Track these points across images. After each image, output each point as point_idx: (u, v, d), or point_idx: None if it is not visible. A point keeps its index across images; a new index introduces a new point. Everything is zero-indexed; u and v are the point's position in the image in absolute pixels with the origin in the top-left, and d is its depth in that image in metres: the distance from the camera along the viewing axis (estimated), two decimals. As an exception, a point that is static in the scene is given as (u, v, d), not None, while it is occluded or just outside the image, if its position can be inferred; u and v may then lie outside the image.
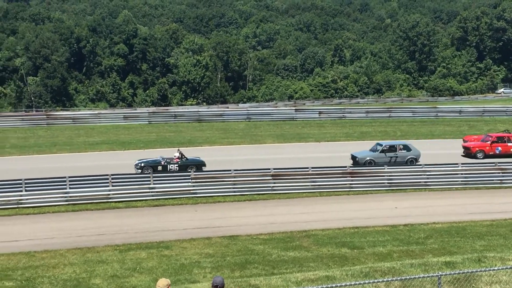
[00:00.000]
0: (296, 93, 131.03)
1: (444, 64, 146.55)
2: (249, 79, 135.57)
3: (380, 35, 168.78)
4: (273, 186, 38.22)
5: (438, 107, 77.97)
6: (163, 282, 12.53)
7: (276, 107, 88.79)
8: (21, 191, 35.63)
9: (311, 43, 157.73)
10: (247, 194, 37.87)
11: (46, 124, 67.00)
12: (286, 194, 38.15)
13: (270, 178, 38.32)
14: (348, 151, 50.24)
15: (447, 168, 40.60)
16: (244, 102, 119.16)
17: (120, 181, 37.24)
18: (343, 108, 76.89)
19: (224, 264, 26.26)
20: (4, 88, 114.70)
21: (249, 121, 69.02)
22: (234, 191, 37.90)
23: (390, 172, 39.60)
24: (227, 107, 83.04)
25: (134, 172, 40.88)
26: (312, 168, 39.10)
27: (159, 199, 36.89)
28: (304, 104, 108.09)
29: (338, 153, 49.70)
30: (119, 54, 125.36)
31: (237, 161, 44.06)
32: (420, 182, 39.82)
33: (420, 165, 40.73)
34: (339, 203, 36.59)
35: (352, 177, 39.14)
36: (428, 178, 39.86)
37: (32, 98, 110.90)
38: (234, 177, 38.07)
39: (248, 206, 36.17)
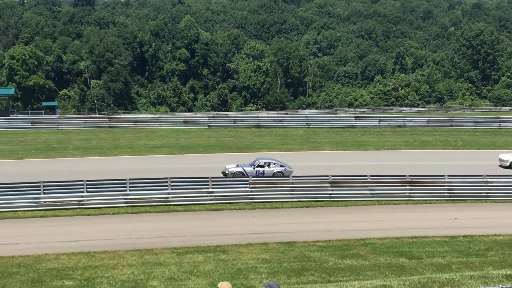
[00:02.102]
0: (356, 100, 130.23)
1: (509, 74, 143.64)
2: (309, 85, 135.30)
3: (443, 43, 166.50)
4: (331, 193, 38.01)
5: (501, 117, 76.42)
6: (224, 285, 12.45)
7: (336, 114, 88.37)
8: (83, 192, 36.26)
9: (372, 50, 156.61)
10: (304, 201, 37.75)
11: (108, 126, 68.05)
12: (344, 201, 37.88)
13: (328, 185, 38.12)
14: (409, 159, 49.72)
15: (510, 179, 39.73)
16: (304, 109, 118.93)
17: (179, 184, 37.56)
18: (404, 117, 76.05)
19: (280, 270, 26.22)
20: (69, 91, 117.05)
21: (308, 127, 68.84)
22: (292, 197, 37.82)
23: (451, 182, 38.96)
24: (287, 113, 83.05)
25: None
26: (371, 176, 38.74)
27: (217, 203, 37.06)
28: (364, 111, 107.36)
29: (397, 161, 49.15)
30: (180, 59, 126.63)
31: (295, 168, 43.91)
32: (481, 193, 39.06)
33: (481, 175, 39.93)
34: (397, 212, 36.16)
35: (411, 186, 38.62)
36: (489, 189, 39.07)
37: (95, 101, 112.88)
38: (292, 183, 38.00)
39: (305, 212, 36.05)
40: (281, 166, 42.37)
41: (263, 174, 41.43)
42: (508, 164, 46.67)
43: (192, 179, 38.38)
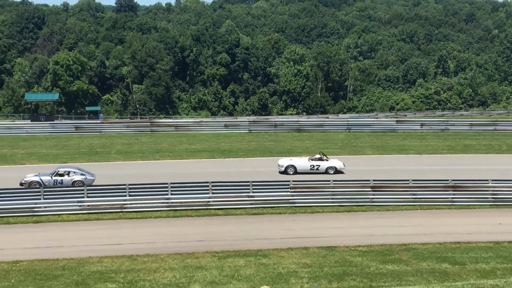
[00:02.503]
0: (397, 104, 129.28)
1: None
2: (349, 89, 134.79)
3: (486, 46, 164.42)
4: (372, 198, 37.81)
5: (546, 121, 75.18)
6: None
7: (377, 118, 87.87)
8: (125, 196, 36.64)
9: (414, 53, 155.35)
10: (345, 205, 37.61)
11: (150, 131, 68.65)
12: (385, 206, 37.65)
13: (370, 189, 37.93)
14: (451, 164, 49.23)
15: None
16: (344, 113, 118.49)
17: (220, 188, 37.71)
18: (446, 120, 75.29)
19: (321, 274, 26.18)
20: (111, 96, 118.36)
21: (349, 131, 68.58)
22: (333, 202, 37.71)
23: (495, 187, 38.46)
24: (327, 117, 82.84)
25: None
26: (413, 180, 38.44)
27: (257, 207, 37.12)
28: (406, 115, 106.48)
29: (439, 166, 48.68)
30: (221, 64, 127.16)
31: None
32: (526, 198, 38.47)
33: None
34: (440, 217, 35.80)
35: (454, 190, 38.22)
36: (534, 194, 38.45)
37: (137, 106, 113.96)
38: (333, 188, 37.89)
39: (346, 217, 35.92)
40: (82, 174, 40.80)
41: (61, 183, 40.14)
42: (283, 169, 45.52)
43: (233, 183, 38.50)
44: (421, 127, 70.33)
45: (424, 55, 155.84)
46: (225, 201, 37.16)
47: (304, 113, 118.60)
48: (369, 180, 38.27)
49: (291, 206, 37.33)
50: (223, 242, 30.85)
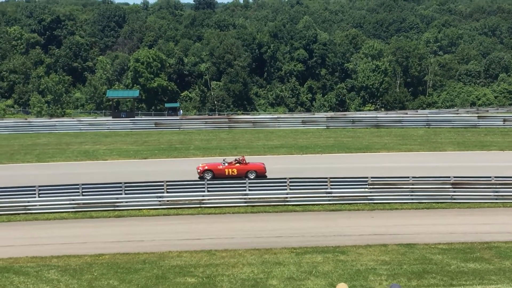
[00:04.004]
0: (478, 99, 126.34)
1: None
2: (429, 84, 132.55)
3: None
4: (453, 195, 37.09)
5: None
6: (342, 287, 12.45)
7: (457, 113, 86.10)
8: (204, 191, 37.09)
9: (496, 47, 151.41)
10: (425, 202, 37.04)
11: (228, 127, 69.14)
12: (466, 203, 36.87)
13: (450, 186, 37.24)
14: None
15: None
16: (424, 108, 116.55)
17: (298, 184, 37.75)
18: (530, 116, 73.11)
19: (400, 272, 25.89)
20: (190, 92, 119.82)
21: (428, 127, 67.39)
22: (412, 199, 37.20)
23: None
24: (406, 113, 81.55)
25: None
26: (496, 177, 37.52)
27: (335, 203, 36.98)
28: (488, 111, 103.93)
29: (523, 162, 47.35)
30: (299, 60, 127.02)
31: (415, 168, 43.18)
32: None
33: None
34: (524, 215, 34.87)
35: (539, 188, 37.13)
36: None
37: (215, 102, 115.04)
38: (412, 184, 37.37)
39: (426, 214, 35.38)
40: None
41: None
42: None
43: (311, 179, 38.46)
44: (503, 123, 68.44)
45: (507, 49, 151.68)
46: (303, 197, 37.16)
47: (383, 109, 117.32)
48: (449, 177, 37.58)
49: (369, 203, 37.03)
50: (301, 238, 30.87)
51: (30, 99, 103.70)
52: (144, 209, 36.41)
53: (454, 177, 37.57)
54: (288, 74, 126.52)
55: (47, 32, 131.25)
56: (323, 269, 26.42)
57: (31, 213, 35.95)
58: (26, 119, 78.18)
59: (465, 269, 26.22)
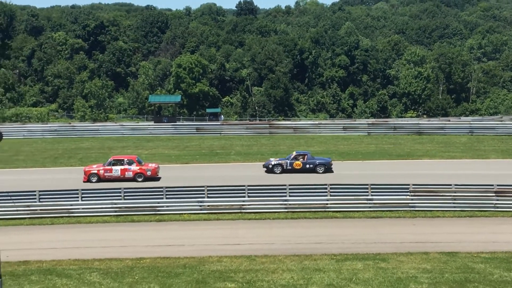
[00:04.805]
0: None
1: None
2: (472, 91, 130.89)
3: None
4: (496, 203, 36.60)
5: None
6: None
7: (501, 121, 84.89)
8: (244, 197, 37.18)
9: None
10: (467, 210, 36.63)
11: (269, 133, 69.19)
12: (510, 212, 36.35)
13: (493, 194, 36.75)
14: None
15: None
16: (467, 115, 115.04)
17: (338, 191, 37.62)
18: None
19: (442, 281, 25.63)
20: (231, 98, 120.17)
21: (471, 135, 66.55)
22: (454, 207, 36.81)
23: None
24: (449, 120, 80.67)
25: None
26: (540, 186, 36.91)
27: (376, 210, 36.77)
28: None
29: None
30: (340, 66, 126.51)
31: (457, 176, 42.70)
32: None
33: None
34: None
35: None
36: None
37: (256, 108, 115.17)
38: (455, 192, 36.98)
39: (468, 222, 34.98)
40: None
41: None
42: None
43: (351, 185, 38.31)
44: (548, 131, 67.29)
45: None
46: (343, 204, 37.04)
47: (425, 116, 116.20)
48: (492, 185, 37.09)
49: (410, 210, 36.74)
50: (341, 244, 30.75)
51: (74, 103, 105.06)
52: (184, 213, 36.64)
53: (498, 185, 37.07)
54: (329, 80, 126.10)
55: (91, 38, 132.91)
56: (363, 276, 26.28)
57: (74, 216, 36.44)
58: (70, 123, 79.25)
59: (508, 278, 25.85)
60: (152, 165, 45.15)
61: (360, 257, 28.81)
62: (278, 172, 46.11)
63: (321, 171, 45.95)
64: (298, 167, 46.27)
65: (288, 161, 46.56)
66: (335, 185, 37.99)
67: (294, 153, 47.48)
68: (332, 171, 46.41)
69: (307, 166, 46.32)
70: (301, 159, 46.50)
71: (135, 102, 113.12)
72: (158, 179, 44.22)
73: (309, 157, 46.76)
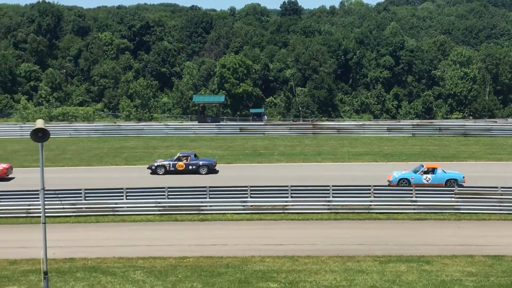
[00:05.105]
0: None
1: None
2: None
3: None
4: (544, 207, 35.96)
5: None
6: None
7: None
8: (287, 197, 37.16)
9: None
10: (514, 213, 36.07)
11: (312, 133, 69.05)
12: (558, 215, 35.69)
13: (541, 198, 36.12)
14: None
15: None
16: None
17: (382, 192, 37.37)
18: None
19: (487, 284, 25.30)
20: (275, 98, 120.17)
21: (519, 137, 65.55)
22: (501, 209, 36.28)
23: None
24: (495, 122, 79.52)
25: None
26: None
27: (420, 212, 36.42)
28: None
29: None
30: (385, 66, 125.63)
31: (505, 178, 42.04)
32: None
33: None
34: None
35: None
36: None
37: (300, 108, 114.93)
38: (501, 195, 36.43)
39: (515, 226, 34.46)
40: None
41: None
42: None
43: (395, 187, 38.03)
44: None
45: None
46: (387, 205, 36.78)
47: (471, 117, 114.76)
48: (540, 188, 36.47)
49: (455, 213, 36.30)
50: (385, 246, 30.55)
51: (119, 103, 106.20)
52: (228, 213, 36.76)
53: (546, 188, 36.44)
54: (373, 81, 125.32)
55: (137, 38, 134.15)
56: (407, 278, 26.07)
57: (119, 215, 36.85)
58: (115, 122, 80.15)
59: (556, 283, 25.41)
60: (3, 165, 45.67)
61: (403, 259, 28.58)
62: (161, 173, 46.73)
63: (203, 172, 46.67)
64: (181, 168, 46.87)
65: (171, 162, 47.07)
66: (379, 187, 37.76)
67: (178, 154, 48.02)
68: (216, 172, 47.31)
69: (190, 167, 46.94)
70: (184, 160, 47.10)
71: (179, 102, 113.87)
72: (9, 179, 44.80)
73: (192, 158, 47.37)
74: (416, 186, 37.86)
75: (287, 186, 37.58)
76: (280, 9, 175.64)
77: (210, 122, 73.20)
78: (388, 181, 41.90)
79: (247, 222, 35.59)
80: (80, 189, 37.48)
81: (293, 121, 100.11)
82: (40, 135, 19.04)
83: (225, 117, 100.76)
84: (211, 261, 28.62)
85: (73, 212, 36.88)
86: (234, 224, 35.27)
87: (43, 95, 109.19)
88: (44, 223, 20.03)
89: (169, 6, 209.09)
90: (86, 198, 37.22)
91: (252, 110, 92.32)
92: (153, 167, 47.12)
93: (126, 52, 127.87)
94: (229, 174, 46.51)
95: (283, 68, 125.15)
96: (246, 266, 27.84)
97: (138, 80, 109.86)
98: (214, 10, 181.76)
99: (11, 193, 37.78)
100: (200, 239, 32.27)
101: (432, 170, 42.03)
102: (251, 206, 37.01)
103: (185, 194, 37.66)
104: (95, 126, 72.85)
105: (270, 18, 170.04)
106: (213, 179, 44.42)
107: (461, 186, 39.86)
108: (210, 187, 37.79)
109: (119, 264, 28.41)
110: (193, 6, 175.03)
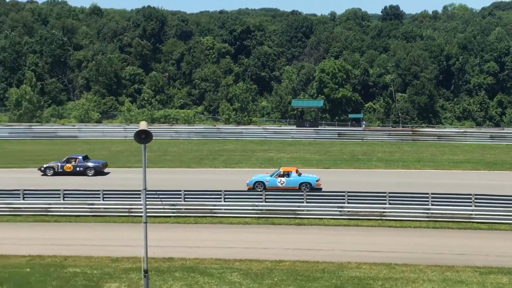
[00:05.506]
0: None
1: None
2: None
3: None
4: None
5: None
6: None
7: None
8: (385, 204, 36.74)
9: None
10: None
11: (412, 140, 68.07)
12: None
13: None
14: None
15: None
16: None
17: (484, 202, 36.39)
18: None
19: None
20: (374, 104, 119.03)
21: None
22: None
23: None
24: None
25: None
26: None
27: (524, 223, 35.28)
28: None
29: None
30: (489, 72, 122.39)
31: None
32: None
33: None
34: None
35: None
36: None
37: (399, 114, 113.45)
38: None
39: None
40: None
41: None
42: None
43: (499, 197, 36.97)
44: None
45: None
46: (490, 215, 35.77)
47: None
48: None
49: (561, 225, 34.98)
50: (486, 257, 29.75)
51: (219, 106, 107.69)
52: (324, 218, 36.68)
53: None
54: (476, 87, 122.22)
55: (237, 42, 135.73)
56: (508, 291, 25.36)
57: (217, 217, 37.38)
58: (214, 125, 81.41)
59: None
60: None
61: (505, 271, 27.77)
62: (50, 174, 48.02)
63: (90, 174, 48.08)
64: (69, 170, 48.21)
65: (60, 164, 48.40)
66: (481, 196, 36.77)
67: (67, 157, 49.53)
68: (104, 174, 48.76)
69: (78, 169, 48.39)
70: (73, 162, 48.46)
71: (278, 106, 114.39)
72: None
73: (80, 160, 48.61)
74: (270, 190, 39.96)
75: (384, 193, 37.18)
76: (381, 13, 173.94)
77: (308, 127, 73.25)
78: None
79: (343, 227, 35.42)
80: (180, 190, 38.26)
81: (392, 127, 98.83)
82: (143, 137, 19.56)
83: (323, 121, 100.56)
84: (307, 266, 28.64)
85: (173, 212, 37.68)
86: (330, 229, 35.15)
87: (146, 98, 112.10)
88: (145, 222, 20.55)
89: (269, 11, 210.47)
90: (186, 199, 37.96)
91: (350, 115, 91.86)
92: (42, 169, 48.59)
93: (227, 56, 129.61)
94: (327, 179, 46.27)
95: (383, 73, 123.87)
96: (342, 272, 27.71)
97: (238, 84, 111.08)
98: (314, 15, 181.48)
99: (115, 192, 38.99)
100: (296, 243, 32.33)
101: (287, 174, 42.58)
102: (348, 211, 36.81)
103: (282, 198, 37.83)
104: (196, 128, 74.21)
105: (370, 23, 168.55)
106: (103, 180, 46.15)
107: (314, 189, 41.19)
108: (306, 192, 37.81)
109: (216, 265, 28.83)
110: (293, 10, 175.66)
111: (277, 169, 44.81)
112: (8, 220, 37.21)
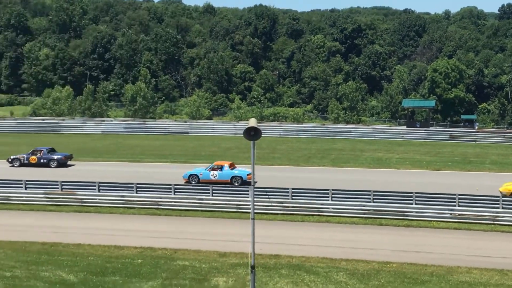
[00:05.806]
0: None
1: None
2: None
3: None
4: None
5: None
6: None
7: None
8: (498, 208, 35.62)
9: None
10: None
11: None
12: None
13: None
14: None
15: None
16: None
17: None
18: None
19: None
20: (488, 105, 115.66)
21: None
22: None
23: None
24: None
25: None
26: None
27: None
28: None
29: None
30: None
31: None
32: None
33: None
34: None
35: None
36: None
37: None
38: None
39: None
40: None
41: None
42: None
43: None
44: None
45: None
46: None
47: None
48: None
49: None
50: None
51: (328, 105, 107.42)
52: (433, 221, 35.94)
53: None
54: None
55: (348, 41, 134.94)
56: None
57: (324, 215, 37.30)
58: (323, 124, 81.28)
59: None
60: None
61: None
62: (16, 165, 50.39)
63: (53, 166, 50.27)
64: (34, 162, 50.56)
65: (25, 156, 50.81)
66: None
67: (32, 149, 51.72)
68: (67, 166, 50.89)
69: (42, 160, 50.70)
70: (38, 154, 50.79)
71: (388, 105, 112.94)
72: None
73: (45, 153, 50.85)
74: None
75: (497, 196, 36.11)
76: (498, 12, 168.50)
77: (418, 127, 71.98)
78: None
79: (453, 231, 34.59)
80: (288, 188, 38.43)
81: (507, 129, 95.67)
82: (252, 134, 19.76)
83: (434, 122, 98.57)
84: (414, 268, 28.16)
85: (280, 210, 37.88)
86: (440, 232, 34.42)
87: (256, 96, 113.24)
88: (253, 218, 20.75)
89: (381, 9, 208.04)
90: (293, 197, 38.09)
91: (463, 117, 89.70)
92: (10, 160, 50.99)
93: (337, 55, 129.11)
94: (437, 180, 45.22)
95: (499, 73, 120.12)
96: (452, 276, 27.09)
97: (347, 83, 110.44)
98: (427, 13, 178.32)
99: (224, 188, 39.65)
100: (404, 245, 31.85)
101: (220, 167, 44.07)
102: (459, 215, 35.91)
103: (390, 199, 37.36)
104: (304, 127, 74.38)
105: (487, 22, 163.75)
106: (66, 171, 48.20)
107: (246, 183, 42.19)
108: (416, 193, 37.18)
109: (323, 264, 28.79)
110: (406, 9, 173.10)
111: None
112: (122, 212, 38.50)
